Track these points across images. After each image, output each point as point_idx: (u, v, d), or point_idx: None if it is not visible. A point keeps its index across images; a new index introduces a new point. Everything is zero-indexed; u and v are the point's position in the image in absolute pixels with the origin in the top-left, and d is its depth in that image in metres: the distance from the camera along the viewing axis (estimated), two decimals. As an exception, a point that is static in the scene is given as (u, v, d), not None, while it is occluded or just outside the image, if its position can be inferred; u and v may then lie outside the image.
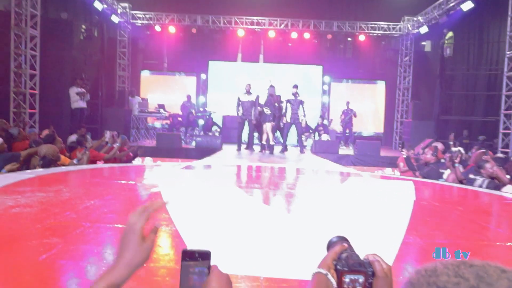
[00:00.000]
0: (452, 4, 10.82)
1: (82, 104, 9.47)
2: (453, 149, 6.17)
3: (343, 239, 0.84)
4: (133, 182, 3.51)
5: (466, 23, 11.64)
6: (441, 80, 13.10)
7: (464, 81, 12.81)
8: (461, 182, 4.90)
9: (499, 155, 6.68)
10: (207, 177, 4.49)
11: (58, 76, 10.05)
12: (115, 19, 12.34)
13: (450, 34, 12.45)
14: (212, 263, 0.72)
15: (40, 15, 8.37)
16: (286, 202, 3.05)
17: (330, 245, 0.84)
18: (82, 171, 3.95)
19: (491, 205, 3.34)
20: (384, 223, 2.39)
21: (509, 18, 8.92)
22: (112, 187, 3.13)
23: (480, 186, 3.69)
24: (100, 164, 4.46)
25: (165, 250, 1.73)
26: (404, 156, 6.30)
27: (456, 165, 5.01)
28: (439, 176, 4.89)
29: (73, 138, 6.70)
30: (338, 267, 0.75)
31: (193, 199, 2.90)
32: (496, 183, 3.95)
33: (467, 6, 9.97)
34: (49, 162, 3.95)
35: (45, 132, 6.60)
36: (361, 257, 0.76)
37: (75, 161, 4.29)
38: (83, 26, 12.30)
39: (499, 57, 11.05)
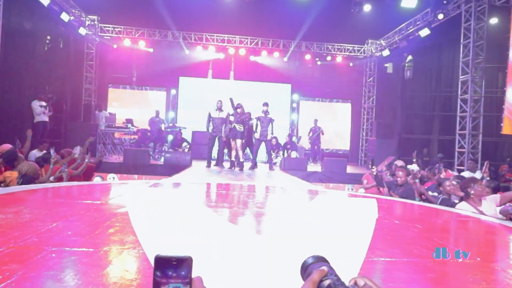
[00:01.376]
0: (411, 30, 11.58)
1: (45, 118, 9.13)
2: (409, 166, 6.52)
3: (320, 260, 0.70)
4: (99, 202, 3.42)
5: (424, 48, 12.46)
6: (402, 101, 13.85)
7: (424, 102, 13.61)
8: (420, 196, 5.18)
9: (454, 173, 7.09)
10: (175, 196, 4.45)
11: (19, 88, 9.65)
12: (82, 31, 12.11)
13: (410, 57, 13.26)
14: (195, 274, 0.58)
15: (1, 23, 8.07)
16: (255, 222, 3.09)
17: (305, 268, 0.69)
18: (44, 190, 3.79)
19: (448, 222, 3.55)
20: (347, 241, 2.48)
21: (461, 46, 9.66)
22: (77, 207, 3.04)
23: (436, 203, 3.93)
24: (64, 182, 4.31)
25: (132, 275, 1.71)
26: (375, 173, 6.52)
27: (417, 180, 5.31)
28: (414, 196, 5.04)
29: (35, 153, 6.42)
30: None
31: (161, 220, 2.87)
32: (451, 201, 4.21)
33: (424, 32, 10.71)
34: (29, 180, 3.83)
35: (4, 146, 6.29)
36: (347, 283, 0.64)
37: (51, 178, 4.14)
38: (48, 37, 11.94)
39: (454, 80, 11.89)
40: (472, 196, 3.69)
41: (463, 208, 3.65)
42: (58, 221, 2.45)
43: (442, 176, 5.63)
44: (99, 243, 2.11)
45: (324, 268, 0.66)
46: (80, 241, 2.08)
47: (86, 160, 4.90)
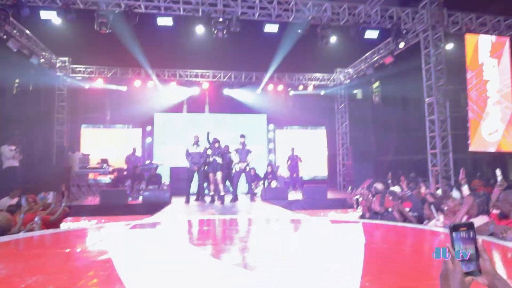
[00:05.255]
0: (375, 58, 12.21)
1: (15, 163, 8.79)
2: (392, 188, 6.66)
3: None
4: (78, 250, 3.27)
5: (389, 74, 13.11)
6: (375, 124, 14.35)
7: (395, 124, 14.14)
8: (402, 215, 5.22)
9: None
10: (158, 236, 4.32)
11: (-13, 134, 9.29)
12: (53, 73, 11.97)
13: (377, 84, 13.92)
14: None
15: (-32, 71, 7.88)
16: (241, 257, 3.04)
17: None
18: (18, 242, 3.59)
19: (431, 242, 3.61)
20: (340, 269, 2.47)
21: (423, 71, 10.25)
22: (56, 257, 2.88)
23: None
24: (38, 231, 4.09)
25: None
26: (360, 214, 6.52)
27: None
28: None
29: (5, 201, 6.11)
30: None
31: (147, 263, 2.78)
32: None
33: (388, 60, 11.31)
34: (2, 231, 3.63)
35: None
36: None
37: (22, 231, 3.92)
38: (17, 81, 11.73)
39: (421, 102, 12.48)
40: (446, 212, 3.81)
41: (433, 225, 3.76)
42: (38, 275, 2.32)
43: (422, 191, 5.76)
44: (84, 295, 2.00)
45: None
46: (63, 295, 1.97)
47: (63, 204, 4.69)
